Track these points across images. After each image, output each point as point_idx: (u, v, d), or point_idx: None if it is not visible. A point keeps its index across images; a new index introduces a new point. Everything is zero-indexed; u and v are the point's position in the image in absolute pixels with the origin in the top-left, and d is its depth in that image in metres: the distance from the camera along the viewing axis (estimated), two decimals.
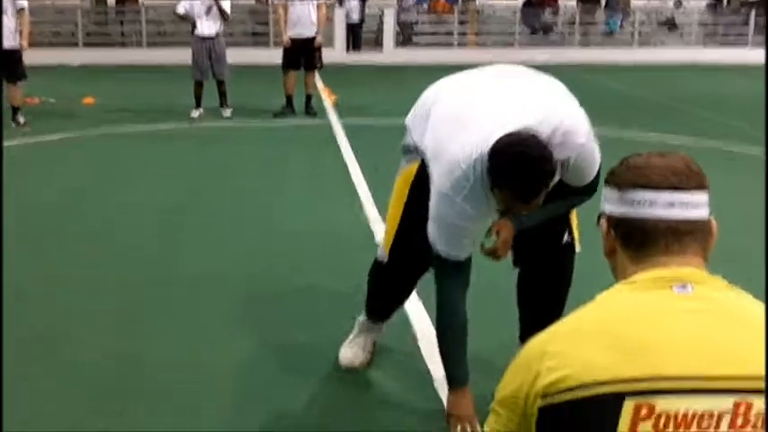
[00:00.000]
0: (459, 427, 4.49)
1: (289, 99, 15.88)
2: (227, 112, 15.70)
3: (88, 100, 17.04)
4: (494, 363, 4.85)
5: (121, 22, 30.57)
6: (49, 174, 11.20)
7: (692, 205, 2.22)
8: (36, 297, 6.50)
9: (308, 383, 5.15)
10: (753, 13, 31.68)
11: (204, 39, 15.51)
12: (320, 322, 6.07)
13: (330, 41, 17.68)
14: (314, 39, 15.57)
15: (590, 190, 4.39)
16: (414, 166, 4.66)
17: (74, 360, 5.46)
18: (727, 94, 19.98)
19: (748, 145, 12.79)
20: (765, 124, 10.46)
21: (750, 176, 10.71)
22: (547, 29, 30.93)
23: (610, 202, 2.30)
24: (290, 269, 7.27)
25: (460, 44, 30.57)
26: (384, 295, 5.22)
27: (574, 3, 32.92)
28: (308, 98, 15.89)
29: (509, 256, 4.76)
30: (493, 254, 4.49)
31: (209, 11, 15.40)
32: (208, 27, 15.48)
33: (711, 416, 1.98)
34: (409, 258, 4.81)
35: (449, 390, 4.62)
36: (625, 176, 2.26)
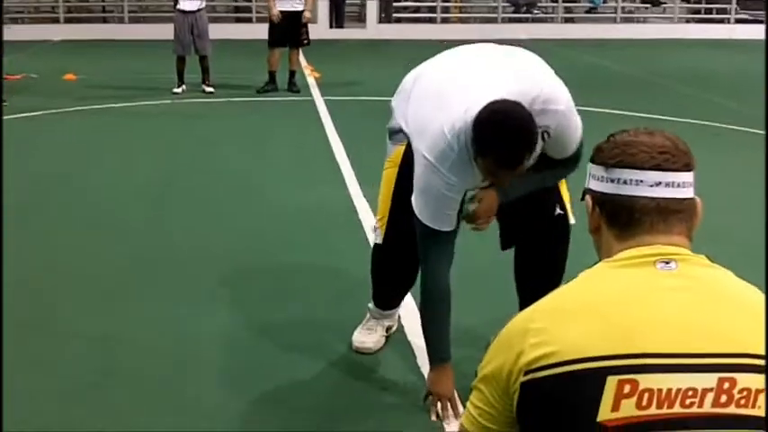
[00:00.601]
0: (439, 405, 4.50)
1: (272, 75, 15.83)
2: (210, 89, 15.64)
3: (69, 76, 16.96)
4: (477, 340, 4.88)
5: None
6: (30, 151, 11.12)
7: (679, 185, 2.21)
8: (18, 280, 6.46)
9: (291, 361, 5.15)
10: None
11: (186, 13, 15.44)
12: (304, 298, 6.07)
13: (314, 17, 17.59)
14: (301, 13, 15.51)
15: (572, 162, 4.43)
16: (400, 149, 4.68)
17: (58, 342, 5.46)
18: (710, 70, 19.99)
19: (732, 121, 12.80)
20: (765, 106, 10.48)
21: (733, 153, 10.74)
22: (530, 4, 30.86)
23: (595, 180, 2.29)
24: (274, 245, 7.28)
25: (444, 20, 30.51)
26: (388, 280, 5.21)
27: None
28: (292, 74, 15.85)
29: (497, 240, 4.79)
30: (473, 221, 4.48)
31: None
32: (190, 2, 15.42)
33: (695, 393, 1.98)
34: (405, 240, 4.80)
35: (430, 366, 4.62)
36: (611, 154, 2.26)
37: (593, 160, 2.32)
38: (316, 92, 15.84)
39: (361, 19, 30.08)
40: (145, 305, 6.00)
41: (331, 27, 28.27)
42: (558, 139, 4.25)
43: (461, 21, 31.27)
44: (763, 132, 10.64)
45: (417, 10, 31.55)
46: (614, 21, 30.84)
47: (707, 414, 1.98)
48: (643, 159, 2.21)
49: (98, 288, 6.32)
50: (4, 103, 13.74)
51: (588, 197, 2.32)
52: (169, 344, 5.41)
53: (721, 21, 31.37)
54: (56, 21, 28.18)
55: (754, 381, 2.00)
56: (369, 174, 5.02)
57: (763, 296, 2.14)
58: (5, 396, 4.61)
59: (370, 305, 5.32)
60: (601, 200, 2.28)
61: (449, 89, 4.27)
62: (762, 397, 1.99)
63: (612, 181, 2.24)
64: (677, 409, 1.98)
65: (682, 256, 2.18)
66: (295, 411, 4.61)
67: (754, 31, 25.30)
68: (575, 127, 4.30)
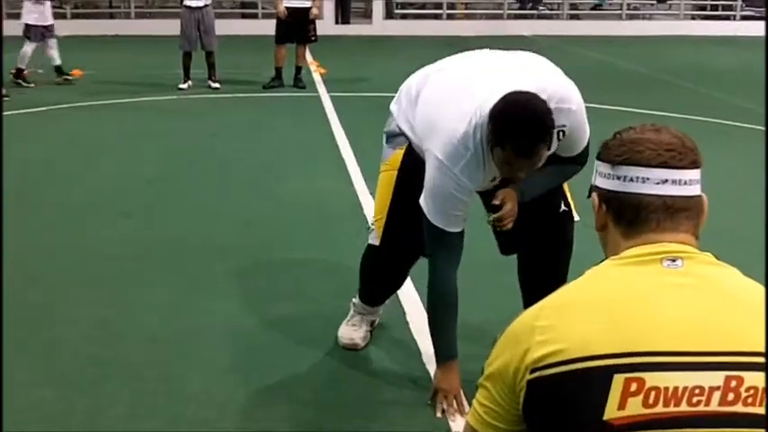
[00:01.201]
0: (444, 402, 4.51)
1: (278, 71, 15.83)
2: (216, 85, 15.63)
3: (76, 71, 16.95)
4: (483, 337, 4.88)
5: None
6: (35, 144, 11.15)
7: (686, 182, 2.21)
8: (19, 270, 6.48)
9: (294, 354, 5.16)
10: None
11: (193, 9, 15.43)
12: (305, 293, 6.10)
13: (320, 13, 17.60)
14: (309, 9, 15.50)
15: (581, 159, 4.46)
16: (399, 153, 4.73)
17: (59, 332, 5.47)
18: (715, 67, 19.96)
19: (737, 118, 12.78)
20: (765, 105, 10.47)
21: (738, 150, 10.72)
22: (536, 1, 30.83)
23: (602, 177, 2.29)
24: (279, 240, 7.29)
25: (449, 16, 30.48)
26: (377, 282, 5.23)
27: None
28: (298, 70, 15.84)
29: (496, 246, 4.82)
30: (500, 224, 4.49)
31: None
32: None
33: (702, 391, 1.98)
34: (401, 244, 4.82)
35: (437, 364, 4.63)
36: (618, 151, 2.25)
37: (599, 157, 2.32)
38: (321, 88, 15.84)
39: (367, 15, 30.04)
40: (147, 297, 6.02)
41: (337, 23, 28.24)
42: (570, 138, 4.27)
43: (467, 17, 31.23)
44: None
45: (423, 6, 31.51)
46: (620, 17, 30.80)
47: (714, 412, 1.97)
48: (650, 157, 2.21)
49: (101, 279, 6.35)
50: (6, 98, 13.77)
51: (595, 194, 2.32)
52: (171, 335, 5.43)
53: (727, 18, 31.31)
54: (63, 16, 28.19)
55: (762, 379, 1.99)
56: (374, 169, 5.01)
57: None
58: (6, 386, 4.64)
59: (355, 300, 5.34)
60: (607, 197, 2.28)
61: (461, 89, 4.29)
62: None
63: (619, 178, 2.24)
64: (684, 407, 1.97)
65: (688, 254, 2.17)
66: (299, 405, 4.62)
67: (760, 28, 25.16)
68: (585, 125, 4.34)
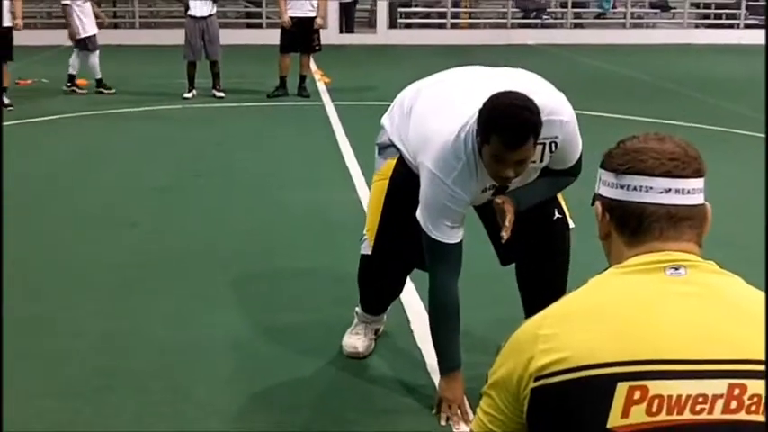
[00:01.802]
0: (449, 411, 4.52)
1: (282, 80, 15.85)
2: (220, 94, 15.65)
3: (81, 81, 16.99)
4: (486, 345, 4.90)
5: (114, 3, 30.40)
6: (40, 154, 11.18)
7: (689, 191, 2.22)
8: (25, 280, 6.50)
9: (299, 363, 5.17)
10: None
11: (197, 19, 15.46)
12: (308, 302, 6.12)
13: (324, 23, 17.62)
14: (313, 19, 15.52)
15: (575, 171, 4.52)
16: (391, 162, 4.76)
17: (63, 342, 5.48)
18: (719, 76, 19.95)
19: (740, 126, 12.78)
20: (765, 112, 10.47)
21: (742, 158, 10.71)
22: (539, 10, 30.85)
23: (605, 186, 2.29)
24: (283, 248, 7.31)
25: (453, 25, 30.50)
26: (375, 292, 5.25)
27: None
28: (302, 79, 15.85)
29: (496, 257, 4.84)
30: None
31: None
32: (201, 7, 15.44)
33: (705, 399, 1.98)
34: (395, 254, 4.85)
35: (440, 374, 4.64)
36: (621, 160, 2.26)
37: (603, 166, 2.32)
38: (326, 97, 15.86)
39: (371, 24, 30.08)
40: (152, 306, 6.03)
41: (341, 32, 28.27)
42: (563, 150, 4.31)
43: (471, 26, 31.25)
44: None
45: (427, 15, 31.53)
46: (623, 26, 30.84)
47: (717, 420, 1.98)
48: (653, 166, 2.21)
49: (106, 288, 6.36)
50: (10, 108, 13.80)
51: (598, 203, 2.33)
52: (176, 345, 5.43)
53: (730, 26, 31.32)
54: (68, 26, 28.21)
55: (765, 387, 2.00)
56: None
57: None
58: (11, 396, 4.64)
59: (358, 309, 5.35)
60: (611, 206, 2.28)
61: (452, 102, 4.36)
62: None
63: (622, 187, 2.25)
64: (687, 415, 1.98)
65: (691, 263, 2.18)
66: (304, 414, 4.62)
67: (763, 37, 25.24)
68: (577, 137, 4.37)
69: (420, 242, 4.43)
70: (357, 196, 8.69)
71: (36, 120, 13.46)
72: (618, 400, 2.00)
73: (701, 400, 1.98)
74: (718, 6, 32.52)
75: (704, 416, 1.98)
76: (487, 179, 4.24)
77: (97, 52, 16.07)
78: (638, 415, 1.99)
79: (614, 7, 31.61)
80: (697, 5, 33.10)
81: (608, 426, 1.99)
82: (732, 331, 2.06)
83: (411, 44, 26.96)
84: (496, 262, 4.98)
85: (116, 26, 29.48)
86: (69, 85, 16.19)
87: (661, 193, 2.20)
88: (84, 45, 15.90)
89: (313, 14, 15.48)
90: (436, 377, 4.77)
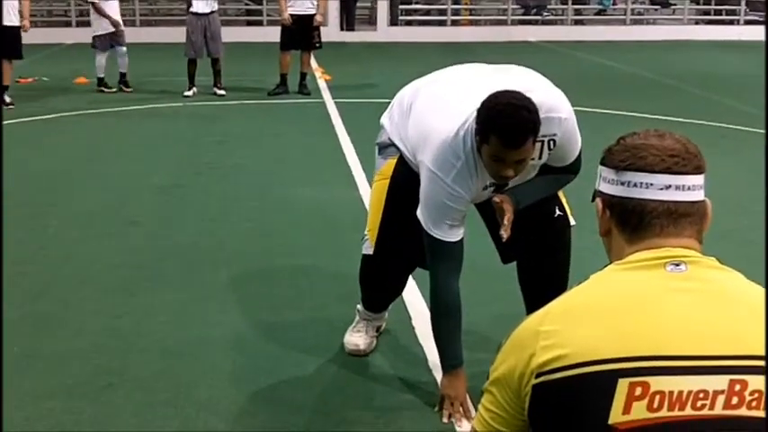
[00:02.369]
0: (451, 408, 4.52)
1: (283, 78, 15.84)
2: (221, 92, 15.65)
3: (81, 79, 16.99)
4: (487, 342, 4.90)
5: None
6: (42, 152, 11.20)
7: (689, 188, 2.22)
8: (28, 279, 6.51)
9: (301, 361, 5.17)
10: None
11: (199, 16, 15.48)
12: (310, 300, 6.12)
13: (325, 20, 17.62)
14: (313, 16, 15.52)
15: (574, 168, 4.52)
16: (392, 162, 4.77)
17: (68, 340, 5.48)
18: (719, 72, 19.94)
19: (741, 122, 12.77)
20: (765, 108, 10.46)
21: (742, 154, 10.72)
22: (540, 7, 30.82)
23: (606, 182, 2.30)
24: (284, 246, 7.31)
25: (454, 22, 30.49)
26: (377, 291, 5.25)
27: None
28: (303, 76, 15.86)
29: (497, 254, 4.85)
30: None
31: None
32: (203, 5, 15.45)
33: (706, 395, 1.99)
34: (396, 254, 4.85)
35: (442, 371, 4.65)
36: (622, 157, 2.26)
37: (603, 162, 2.32)
38: (326, 94, 15.85)
39: (371, 21, 30.06)
40: (155, 305, 6.03)
41: (342, 29, 28.25)
42: (561, 148, 4.31)
43: (471, 23, 31.25)
44: None
45: (428, 12, 31.51)
46: (624, 23, 30.78)
47: (718, 416, 1.98)
48: (653, 162, 2.21)
49: (109, 287, 6.36)
50: (11, 107, 13.82)
51: (599, 200, 2.33)
52: (179, 344, 5.43)
53: (731, 22, 31.28)
54: (68, 24, 28.23)
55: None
56: None
57: None
58: (15, 396, 4.66)
59: (359, 307, 5.36)
60: (611, 203, 2.28)
61: (451, 100, 4.36)
62: None
63: (623, 184, 2.25)
64: (688, 411, 1.98)
65: (692, 259, 2.18)
66: (307, 412, 4.62)
67: (763, 33, 25.23)
68: (576, 134, 4.37)
69: (422, 241, 4.44)
70: (358, 193, 8.70)
71: (37, 118, 13.46)
72: (619, 396, 2.00)
73: (702, 396, 1.99)
74: (719, 3, 32.46)
75: (705, 412, 1.98)
76: (487, 177, 4.24)
77: (125, 49, 16.05)
78: (640, 411, 1.99)
79: (615, 4, 31.60)
80: (697, 2, 33.06)
81: (609, 422, 2.00)
82: (733, 327, 2.07)
83: (412, 41, 26.94)
84: (497, 259, 4.98)
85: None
86: (120, 85, 16.22)
87: (661, 189, 2.20)
88: (109, 44, 15.86)
89: (313, 12, 15.49)
90: (438, 374, 4.78)
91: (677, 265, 2.16)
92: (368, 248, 4.96)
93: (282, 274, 6.63)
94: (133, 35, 26.72)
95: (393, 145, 4.72)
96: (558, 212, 4.74)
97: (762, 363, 2.02)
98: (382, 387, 4.91)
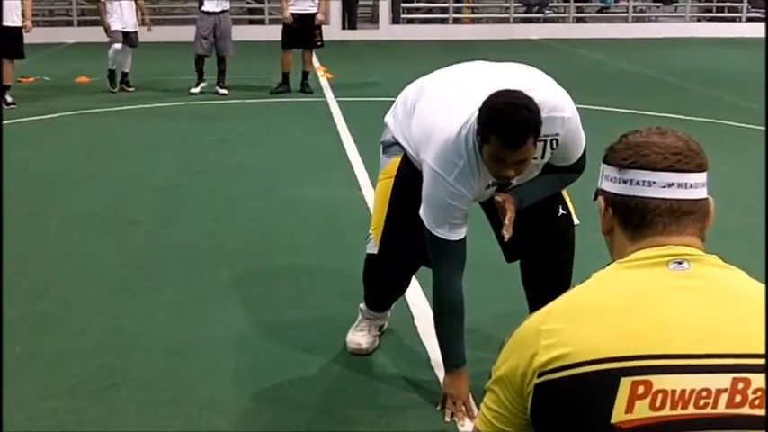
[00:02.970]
0: (454, 407, 4.52)
1: (285, 76, 15.85)
2: (223, 91, 15.66)
3: (83, 79, 17.00)
4: (489, 341, 4.89)
5: None
6: (43, 151, 11.20)
7: (692, 185, 2.21)
8: (30, 279, 6.51)
9: (303, 361, 5.17)
10: None
11: (210, 14, 15.57)
12: (313, 299, 6.12)
13: (326, 18, 17.64)
14: (315, 15, 15.52)
15: (578, 168, 4.50)
16: (396, 160, 4.76)
17: (70, 340, 5.48)
18: (722, 69, 19.94)
19: (743, 119, 12.77)
20: (765, 105, 10.45)
21: (745, 151, 10.71)
22: (542, 4, 30.83)
23: (608, 180, 2.29)
24: (286, 245, 7.31)
25: (456, 20, 30.50)
26: (381, 290, 5.25)
27: None
28: (305, 75, 15.87)
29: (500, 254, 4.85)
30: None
31: None
32: (214, 4, 15.55)
33: (709, 393, 1.98)
34: (400, 252, 4.85)
35: (445, 370, 4.64)
36: (624, 155, 2.26)
37: (605, 160, 2.32)
38: (329, 93, 15.87)
39: (373, 20, 30.08)
40: (158, 305, 6.03)
41: (343, 28, 28.29)
42: (564, 147, 4.30)
43: (473, 21, 31.26)
44: None
45: (430, 11, 31.52)
46: (626, 20, 30.80)
47: (721, 415, 1.98)
48: (656, 160, 2.21)
49: (111, 287, 6.36)
50: (13, 106, 13.83)
51: (601, 198, 2.32)
52: (182, 343, 5.43)
53: (732, 19, 31.30)
54: (69, 24, 28.24)
55: None
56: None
57: None
58: (18, 396, 4.66)
59: (362, 306, 5.35)
60: (613, 201, 2.28)
61: (454, 99, 4.35)
62: None
63: (625, 182, 2.24)
64: (691, 409, 1.98)
65: (694, 257, 2.18)
66: (309, 411, 4.62)
67: (764, 30, 25.22)
68: (580, 133, 4.35)
69: (425, 240, 4.43)
70: (361, 192, 8.70)
71: (38, 118, 13.46)
72: (622, 395, 2.00)
73: (704, 394, 1.98)
74: (720, 0, 32.48)
75: (708, 410, 1.98)
76: (489, 176, 4.23)
77: (133, 50, 16.06)
78: (642, 410, 1.99)
79: (617, 1, 31.63)
80: None
81: (612, 421, 2.00)
82: (735, 325, 2.06)
83: (413, 40, 26.97)
84: (500, 257, 4.97)
85: None
86: (122, 84, 16.23)
87: (664, 187, 2.20)
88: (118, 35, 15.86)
89: (314, 10, 15.50)
90: (440, 373, 4.77)
91: (680, 263, 2.16)
92: (372, 247, 4.95)
93: (285, 274, 6.63)
94: None
95: (397, 144, 4.71)
96: (561, 211, 4.73)
97: (764, 361, 2.01)
98: (385, 386, 4.90)
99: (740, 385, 1.99)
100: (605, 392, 2.01)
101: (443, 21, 30.40)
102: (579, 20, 31.22)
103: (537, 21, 30.52)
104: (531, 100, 3.92)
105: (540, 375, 2.10)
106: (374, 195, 5.04)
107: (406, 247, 4.78)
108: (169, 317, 5.83)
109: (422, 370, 5.03)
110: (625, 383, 2.00)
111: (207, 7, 15.59)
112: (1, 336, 5.00)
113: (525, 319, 2.25)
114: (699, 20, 31.69)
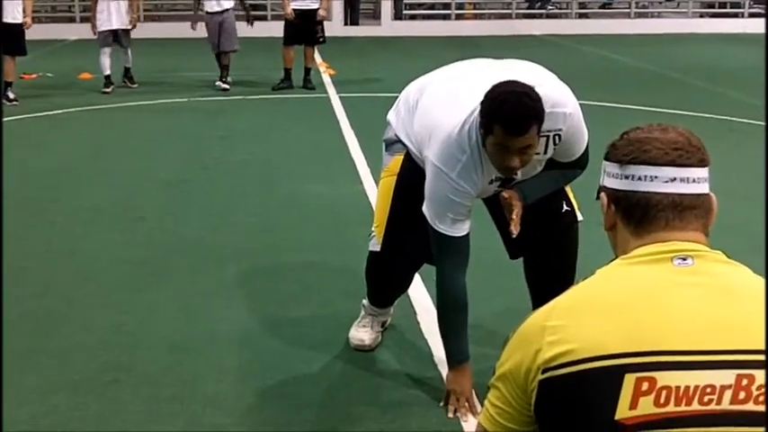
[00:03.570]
0: (457, 404, 4.52)
1: (287, 72, 15.85)
2: (225, 86, 15.69)
3: (85, 75, 17.00)
4: (493, 337, 4.90)
5: None
6: (47, 148, 11.21)
7: (694, 180, 2.22)
8: (34, 275, 6.51)
9: (306, 357, 5.17)
10: None
11: (213, 14, 15.70)
12: (316, 295, 6.12)
13: (328, 14, 17.65)
14: (316, 11, 15.52)
15: (581, 163, 4.50)
16: (399, 158, 4.76)
17: (72, 336, 5.49)
18: (724, 65, 19.92)
19: (746, 115, 12.76)
20: (765, 100, 10.44)
21: (748, 147, 10.71)
22: (544, 0, 30.82)
23: (610, 177, 2.30)
24: (289, 241, 7.31)
25: (458, 16, 30.48)
26: (383, 287, 5.25)
27: None
28: (307, 71, 15.86)
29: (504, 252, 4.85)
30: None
31: None
32: (214, 4, 15.70)
33: (713, 390, 1.98)
34: (403, 249, 4.85)
35: (448, 367, 4.64)
36: (626, 151, 2.26)
37: (607, 158, 2.32)
38: (331, 89, 15.86)
39: (375, 16, 30.07)
40: (161, 301, 6.04)
41: (346, 24, 28.26)
42: (567, 143, 4.29)
43: (476, 17, 31.23)
44: None
45: (432, 7, 31.50)
46: (628, 16, 30.77)
47: (725, 411, 1.98)
48: (657, 155, 2.21)
49: (115, 283, 6.37)
50: (15, 103, 13.84)
51: (603, 195, 2.33)
52: (185, 339, 5.44)
53: (735, 15, 31.25)
54: (72, 20, 28.22)
55: None
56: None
57: None
58: (22, 392, 4.66)
59: (365, 302, 5.35)
60: (616, 197, 2.28)
61: (456, 95, 4.35)
62: None
63: (627, 177, 2.25)
64: (695, 406, 1.98)
65: (698, 253, 2.18)
66: (312, 407, 4.62)
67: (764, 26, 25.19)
68: (582, 129, 4.35)
69: (429, 237, 4.43)
70: (363, 188, 8.70)
71: (41, 114, 13.47)
72: (626, 391, 2.00)
73: (709, 390, 1.98)
74: None
75: (712, 407, 1.98)
76: (493, 171, 4.23)
77: (126, 49, 16.04)
78: (646, 406, 1.99)
79: None
80: None
81: (616, 417, 2.00)
82: (740, 321, 2.06)
83: (416, 36, 26.94)
84: (504, 253, 4.97)
85: None
86: (125, 80, 16.26)
87: (666, 182, 2.20)
88: (112, 40, 15.82)
89: (316, 6, 15.49)
90: (444, 369, 4.78)
91: (684, 259, 2.16)
92: (375, 245, 4.95)
93: (288, 270, 6.63)
94: (138, 30, 26.84)
95: (400, 141, 4.71)
96: (565, 208, 4.72)
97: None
98: (388, 382, 4.91)
99: (744, 381, 1.99)
100: (609, 389, 2.01)
101: (446, 17, 30.35)
102: (582, 15, 31.19)
103: (539, 16, 30.48)
104: (531, 89, 3.93)
105: (544, 372, 2.10)
106: (377, 193, 5.04)
107: (408, 244, 4.77)
108: (173, 313, 5.84)
109: (425, 366, 5.03)
110: (629, 380, 2.00)
111: (207, 8, 15.75)
112: (1, 334, 5.00)
113: (529, 316, 2.25)
114: (701, 16, 31.65)
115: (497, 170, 4.23)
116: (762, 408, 1.98)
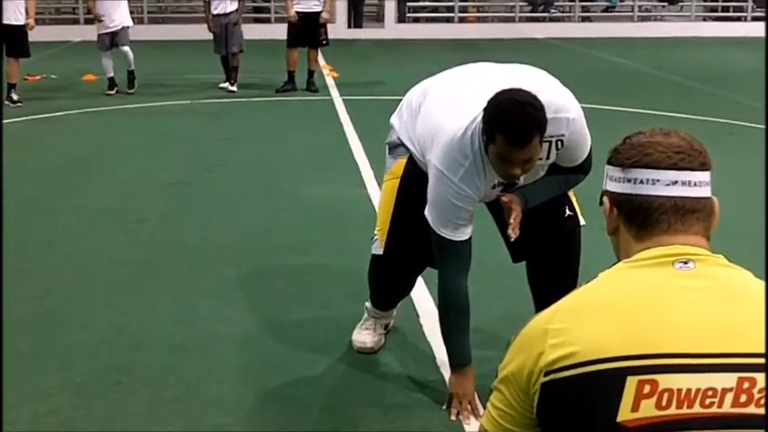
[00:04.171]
0: (460, 406, 4.52)
1: (291, 75, 15.85)
2: (225, 86, 15.74)
3: (89, 77, 17.00)
4: (496, 340, 4.90)
5: None
6: (50, 149, 11.21)
7: (695, 183, 2.22)
8: (36, 276, 6.52)
9: (309, 359, 5.17)
10: None
11: (218, 16, 15.71)
12: (319, 297, 6.12)
13: (332, 17, 17.66)
14: (320, 13, 15.53)
15: (584, 168, 4.50)
16: (402, 161, 4.76)
17: (75, 337, 5.49)
18: (727, 68, 19.92)
19: (749, 119, 12.75)
20: (765, 103, 10.44)
21: (750, 151, 10.69)
22: (547, 3, 30.80)
23: (612, 181, 2.30)
24: (292, 243, 7.31)
25: (462, 19, 30.49)
26: (386, 290, 5.26)
27: None
28: (311, 74, 15.87)
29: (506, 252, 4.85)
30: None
31: None
32: (221, 5, 15.68)
33: (715, 393, 1.99)
34: (406, 254, 4.85)
35: (451, 370, 4.65)
36: (628, 155, 2.26)
37: (610, 162, 2.33)
38: (334, 91, 15.87)
39: (379, 19, 30.07)
40: (164, 302, 6.05)
41: (349, 27, 28.27)
42: (570, 148, 4.30)
43: (479, 20, 31.24)
44: None
45: (435, 9, 31.52)
46: (631, 19, 30.78)
47: (727, 414, 1.98)
48: (659, 159, 2.22)
49: (117, 284, 6.38)
50: (19, 104, 13.85)
51: (606, 199, 2.33)
52: (187, 340, 5.44)
53: (738, 19, 31.26)
54: (76, 22, 28.23)
55: None
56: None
57: None
58: (25, 393, 4.67)
59: (368, 305, 5.36)
60: (618, 200, 2.29)
61: (460, 100, 4.35)
62: None
63: (629, 181, 2.25)
64: (697, 409, 1.98)
65: (700, 256, 2.18)
66: (314, 409, 4.62)
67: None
68: (585, 134, 4.35)
69: (431, 241, 4.44)
70: (366, 191, 8.71)
71: (44, 116, 13.48)
72: (628, 394, 2.00)
73: (710, 393, 1.99)
74: (726, 0, 32.50)
75: (714, 409, 1.98)
76: (495, 176, 4.23)
77: (127, 49, 15.94)
78: (648, 409, 1.99)
79: (622, 0, 31.60)
80: None
81: (618, 420, 2.00)
82: (741, 325, 2.06)
83: (419, 38, 26.96)
84: (506, 256, 4.97)
85: None
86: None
87: (668, 185, 2.21)
88: (110, 43, 15.73)
89: (319, 9, 15.50)
90: (446, 372, 4.78)
91: (686, 262, 2.16)
92: (377, 248, 4.96)
93: (290, 272, 6.64)
94: (142, 33, 26.82)
95: (403, 145, 4.72)
96: (568, 212, 4.73)
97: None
98: (390, 385, 4.91)
99: (746, 384, 1.99)
100: (611, 391, 2.01)
101: (449, 20, 30.37)
102: (585, 19, 31.20)
103: (542, 20, 30.48)
104: (535, 97, 3.92)
105: (546, 374, 2.10)
106: (380, 196, 5.04)
107: (411, 247, 4.78)
108: (174, 314, 5.84)
109: (427, 369, 5.03)
110: (631, 382, 2.00)
111: (214, 10, 15.79)
112: (2, 334, 5.00)
113: (531, 319, 2.25)
114: (704, 19, 31.66)
115: (500, 177, 4.24)
116: (763, 411, 1.98)
